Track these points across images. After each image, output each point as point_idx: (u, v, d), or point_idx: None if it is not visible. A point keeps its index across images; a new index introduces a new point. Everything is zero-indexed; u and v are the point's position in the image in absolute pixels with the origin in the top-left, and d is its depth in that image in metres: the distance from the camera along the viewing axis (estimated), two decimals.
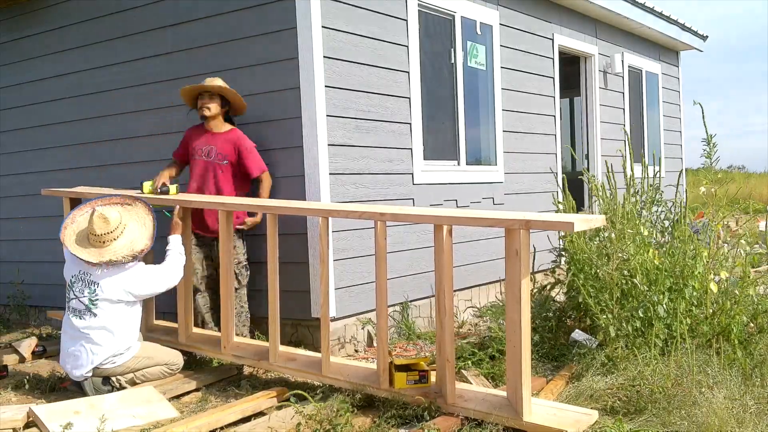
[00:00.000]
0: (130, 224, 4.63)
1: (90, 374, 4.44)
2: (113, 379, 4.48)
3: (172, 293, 5.02)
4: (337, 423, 3.59)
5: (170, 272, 4.70)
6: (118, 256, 4.46)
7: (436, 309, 3.98)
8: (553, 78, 8.13)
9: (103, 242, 4.49)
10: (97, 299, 4.44)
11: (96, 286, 4.44)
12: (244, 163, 5.22)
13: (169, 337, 5.13)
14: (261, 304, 4.84)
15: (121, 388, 4.47)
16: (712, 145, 4.84)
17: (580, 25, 8.74)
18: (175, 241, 4.85)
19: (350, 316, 5.52)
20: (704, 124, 4.88)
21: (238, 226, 5.13)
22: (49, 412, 3.96)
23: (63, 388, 4.81)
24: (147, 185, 5.25)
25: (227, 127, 5.35)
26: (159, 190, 5.19)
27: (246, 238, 5.33)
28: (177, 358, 4.72)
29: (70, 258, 4.62)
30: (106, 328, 4.43)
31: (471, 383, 4.24)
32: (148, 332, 5.23)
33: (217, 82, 5.27)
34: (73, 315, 4.50)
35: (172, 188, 5.25)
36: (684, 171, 11.71)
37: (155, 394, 4.32)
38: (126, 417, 3.97)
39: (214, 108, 5.27)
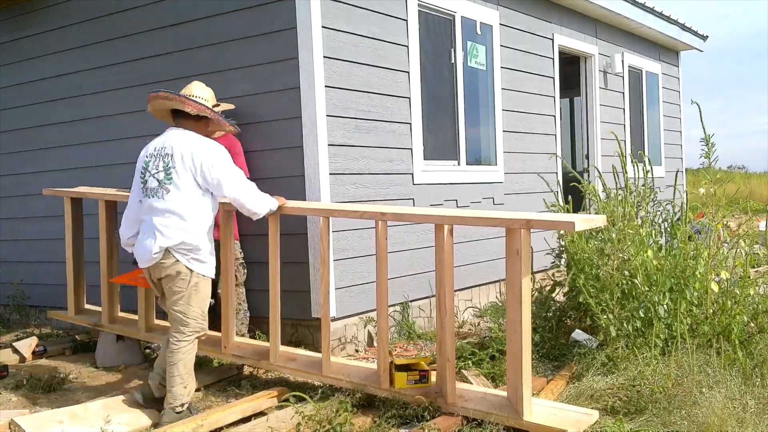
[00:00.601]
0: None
1: (158, 255, 4.04)
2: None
3: None
4: (337, 423, 3.59)
5: (249, 185, 4.23)
6: (202, 98, 4.33)
7: (436, 309, 3.98)
8: (553, 78, 8.13)
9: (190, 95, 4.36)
10: (170, 170, 4.06)
11: (169, 156, 4.08)
12: None
13: None
14: (261, 304, 4.83)
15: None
16: (710, 145, 4.84)
17: (580, 25, 8.74)
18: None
19: (350, 316, 5.52)
20: (702, 124, 4.88)
21: None
22: (32, 422, 3.89)
23: (63, 387, 4.81)
24: None
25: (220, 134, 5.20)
26: None
27: (243, 236, 5.33)
28: (204, 324, 4.24)
29: (151, 143, 4.31)
30: (180, 205, 4.04)
31: (471, 383, 4.24)
32: (147, 332, 5.22)
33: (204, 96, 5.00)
34: (150, 197, 4.11)
35: None
36: (684, 171, 11.72)
37: (139, 402, 4.27)
38: (111, 425, 3.91)
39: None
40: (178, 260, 4.05)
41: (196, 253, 4.09)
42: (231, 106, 5.27)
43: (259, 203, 4.26)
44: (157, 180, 4.10)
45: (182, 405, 4.06)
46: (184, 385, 4.08)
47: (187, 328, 4.13)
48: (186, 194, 4.07)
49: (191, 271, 4.09)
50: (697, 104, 4.97)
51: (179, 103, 4.21)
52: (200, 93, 4.48)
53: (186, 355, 4.11)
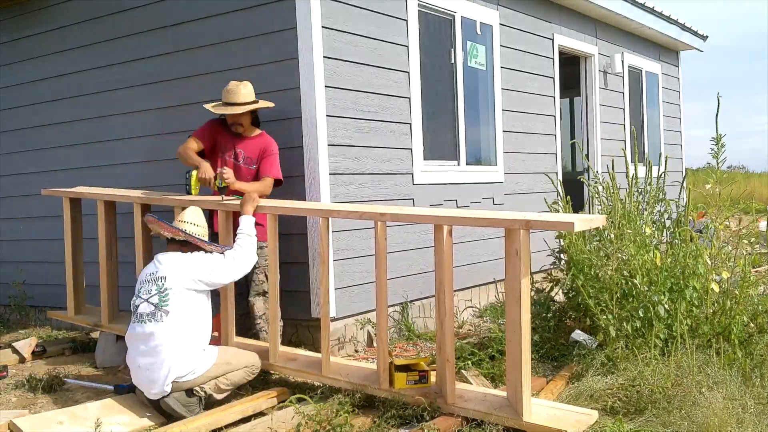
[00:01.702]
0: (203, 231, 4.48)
1: (169, 390, 4.04)
2: (196, 389, 4.10)
3: None
4: (337, 423, 3.59)
5: (242, 256, 4.35)
6: (193, 231, 4.34)
7: (436, 309, 3.98)
8: (553, 78, 8.13)
9: (182, 221, 4.40)
10: (166, 293, 4.10)
11: (163, 280, 4.14)
12: (260, 165, 5.07)
13: None
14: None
15: (208, 397, 4.13)
16: (720, 145, 4.81)
17: (580, 25, 8.74)
18: (246, 222, 4.48)
19: (350, 316, 5.52)
20: (716, 122, 4.83)
21: None
22: (31, 423, 3.87)
23: (63, 387, 4.81)
24: (194, 175, 4.86)
25: (257, 131, 5.20)
26: (218, 186, 4.79)
27: None
28: (255, 360, 4.38)
29: (141, 273, 4.43)
30: (180, 326, 4.08)
31: (471, 383, 4.24)
32: None
33: (246, 99, 4.99)
34: (139, 322, 4.14)
35: (229, 175, 4.85)
36: (684, 171, 11.72)
37: (138, 401, 4.27)
38: (111, 425, 3.91)
39: (246, 123, 5.08)
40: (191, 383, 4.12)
41: (196, 367, 4.13)
42: (270, 104, 5.17)
43: (246, 261, 4.40)
44: (152, 304, 4.14)
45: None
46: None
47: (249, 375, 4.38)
48: (184, 312, 4.14)
49: (205, 369, 4.16)
50: (718, 98, 4.88)
51: (165, 231, 4.39)
52: (191, 219, 4.44)
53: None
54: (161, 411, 4.12)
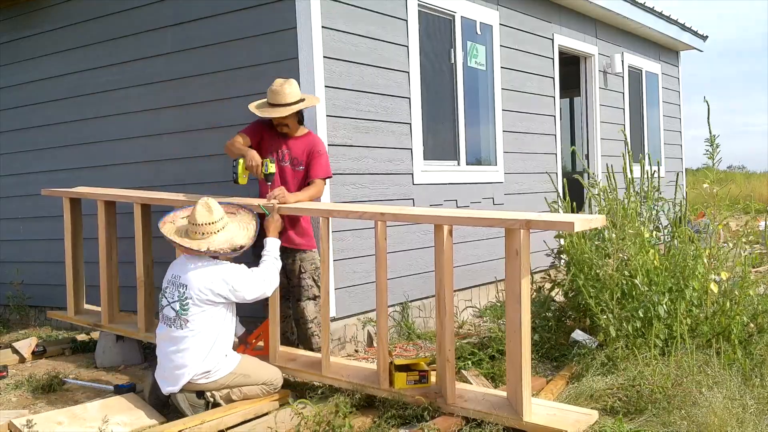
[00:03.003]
0: (231, 224, 4.30)
1: (178, 389, 4.09)
2: (207, 394, 4.11)
3: None
4: (337, 424, 3.58)
5: (265, 278, 4.27)
6: (216, 247, 4.14)
7: (436, 309, 3.98)
8: (553, 78, 8.13)
9: (203, 234, 4.15)
10: (187, 302, 4.08)
11: (185, 288, 4.10)
12: (309, 166, 4.88)
13: None
14: (259, 304, 4.81)
15: (215, 404, 4.11)
16: (715, 145, 4.83)
17: (580, 25, 8.74)
18: (272, 245, 4.44)
19: (350, 316, 5.52)
20: (708, 124, 4.86)
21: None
22: (30, 423, 3.82)
23: (62, 387, 4.81)
24: (241, 163, 4.74)
25: (304, 130, 5.00)
26: (264, 173, 4.68)
27: None
28: (276, 377, 4.30)
29: (170, 267, 4.34)
30: (197, 336, 4.07)
31: (471, 383, 4.24)
32: (147, 332, 5.22)
33: (292, 99, 4.76)
34: (164, 324, 4.17)
35: (271, 167, 4.74)
36: (684, 171, 11.72)
37: (138, 401, 4.27)
38: (111, 425, 3.88)
39: (292, 124, 4.88)
40: (207, 384, 4.11)
41: (217, 370, 4.12)
42: (317, 101, 5.04)
43: (269, 283, 4.31)
44: (174, 310, 4.12)
45: None
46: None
47: (265, 389, 4.28)
48: (204, 322, 4.10)
49: (223, 377, 4.14)
50: (707, 102, 4.92)
51: (186, 252, 4.25)
52: (209, 224, 4.20)
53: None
54: (161, 411, 4.13)
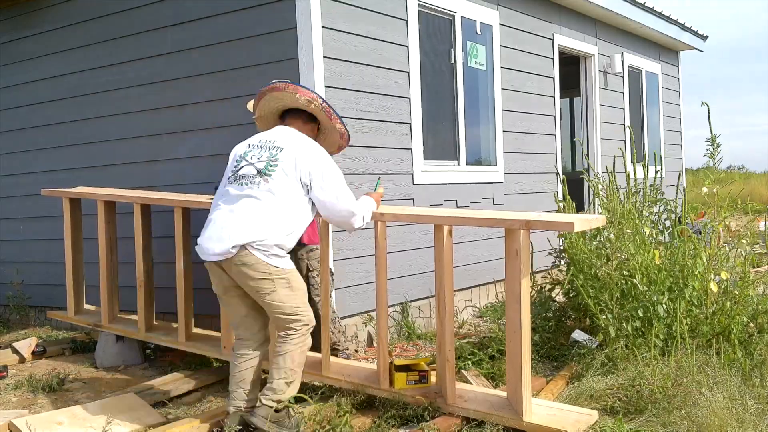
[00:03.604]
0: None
1: (236, 250, 3.52)
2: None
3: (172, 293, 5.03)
4: (337, 423, 3.58)
5: (362, 208, 3.82)
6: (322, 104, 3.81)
7: (436, 309, 3.98)
8: (553, 78, 8.13)
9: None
10: (277, 162, 3.60)
11: (279, 150, 3.65)
12: None
13: (169, 337, 5.13)
14: None
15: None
16: (716, 145, 4.83)
17: (580, 25, 8.74)
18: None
19: (350, 316, 5.52)
20: (709, 125, 4.86)
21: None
22: (30, 424, 3.85)
23: (63, 387, 4.81)
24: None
25: None
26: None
27: None
28: (310, 312, 3.78)
29: (254, 137, 3.87)
30: (275, 198, 3.56)
31: (471, 383, 4.24)
32: (147, 332, 5.23)
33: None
34: (236, 183, 3.64)
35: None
36: (684, 171, 11.72)
37: (138, 401, 4.27)
38: (111, 425, 3.87)
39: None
40: (259, 259, 3.54)
41: (278, 251, 3.59)
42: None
43: (365, 214, 3.86)
44: (256, 168, 3.63)
45: (279, 402, 3.59)
46: (287, 381, 3.62)
47: (295, 324, 3.66)
48: (285, 190, 3.60)
49: (277, 267, 3.59)
50: (706, 105, 4.93)
51: (301, 94, 3.83)
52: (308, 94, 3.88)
53: (295, 348, 3.65)
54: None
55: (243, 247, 3.52)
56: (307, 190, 3.68)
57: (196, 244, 3.75)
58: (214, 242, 3.59)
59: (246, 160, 3.70)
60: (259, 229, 3.53)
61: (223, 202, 3.68)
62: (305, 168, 3.64)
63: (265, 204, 3.57)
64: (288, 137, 3.75)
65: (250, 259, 3.54)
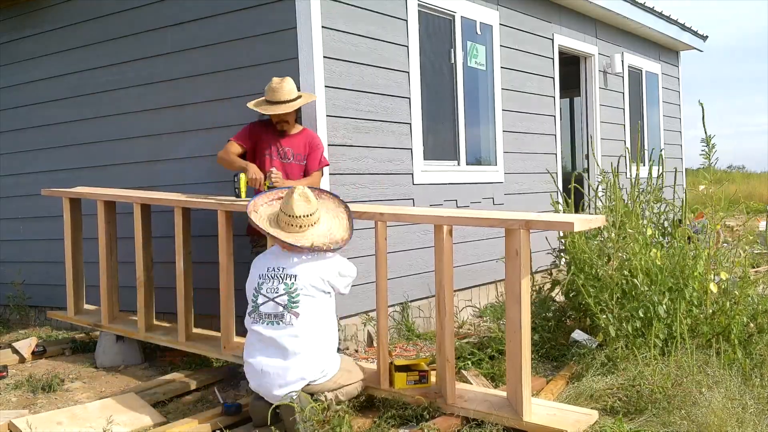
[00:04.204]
0: (322, 213, 4.04)
1: (295, 396, 3.68)
2: (322, 396, 3.75)
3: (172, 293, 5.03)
4: (337, 423, 3.58)
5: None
6: (320, 243, 3.83)
7: (436, 309, 3.98)
8: (553, 78, 8.13)
9: (300, 227, 3.85)
10: (297, 294, 3.73)
11: (293, 278, 3.75)
12: (307, 159, 4.99)
13: (169, 337, 5.13)
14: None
15: (328, 407, 3.63)
16: (711, 146, 4.84)
17: (580, 25, 8.74)
18: None
19: (350, 316, 5.51)
20: (703, 125, 4.88)
21: None
22: (30, 424, 3.86)
23: (63, 387, 4.80)
24: (243, 177, 4.73)
25: (299, 127, 5.10)
26: (270, 186, 4.67)
27: (236, 236, 5.21)
28: (361, 371, 4.08)
29: (255, 263, 4.03)
30: (312, 329, 3.74)
31: (471, 383, 4.24)
32: (147, 332, 5.23)
33: (291, 96, 4.86)
34: (265, 323, 3.76)
35: (279, 177, 4.75)
36: (684, 171, 11.72)
37: (138, 401, 4.27)
38: (111, 425, 3.85)
39: (292, 120, 4.98)
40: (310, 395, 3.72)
41: (332, 369, 3.84)
42: (313, 97, 5.10)
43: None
44: (280, 305, 3.78)
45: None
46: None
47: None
48: (315, 316, 3.79)
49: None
50: (701, 104, 4.95)
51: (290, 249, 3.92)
52: (307, 216, 3.92)
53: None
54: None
55: (306, 386, 3.78)
56: (330, 290, 3.93)
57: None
58: (268, 390, 3.77)
59: (265, 296, 3.83)
60: (310, 370, 3.77)
61: (261, 345, 3.82)
62: (323, 279, 3.86)
63: (306, 340, 3.77)
64: (297, 265, 3.84)
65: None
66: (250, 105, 4.98)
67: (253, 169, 4.79)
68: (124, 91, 6.28)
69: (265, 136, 5.04)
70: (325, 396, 3.75)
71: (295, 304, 3.73)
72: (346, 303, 5.44)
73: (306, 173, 5.01)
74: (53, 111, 6.84)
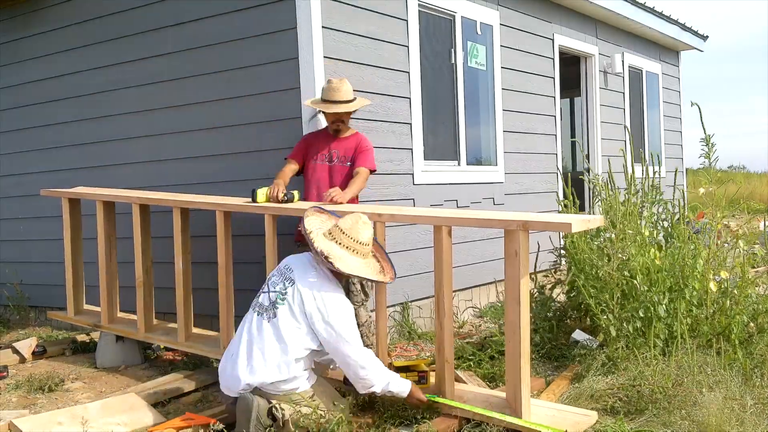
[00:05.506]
0: (370, 257, 3.88)
1: (248, 389, 3.63)
2: (277, 406, 3.60)
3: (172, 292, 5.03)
4: (337, 423, 3.58)
5: (368, 356, 3.72)
6: (354, 273, 3.71)
7: (435, 309, 3.98)
8: (554, 78, 8.12)
9: (364, 255, 3.76)
10: (284, 297, 3.65)
11: (291, 284, 3.69)
12: (355, 159, 4.90)
13: (169, 337, 5.13)
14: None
15: (283, 424, 3.56)
16: (710, 145, 4.84)
17: (581, 25, 8.73)
18: None
19: None
20: (702, 125, 4.88)
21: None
22: (31, 424, 3.85)
23: (63, 387, 4.81)
24: (261, 193, 4.62)
25: (352, 130, 5.06)
26: (283, 199, 4.57)
27: (236, 237, 5.19)
28: (339, 395, 3.89)
29: (287, 257, 3.94)
30: (282, 335, 3.62)
31: (466, 383, 4.23)
32: (147, 332, 5.22)
33: (349, 96, 4.84)
34: (257, 312, 3.75)
35: (296, 194, 4.65)
36: (684, 171, 11.71)
37: (139, 401, 4.26)
38: (110, 425, 3.90)
39: (347, 120, 4.95)
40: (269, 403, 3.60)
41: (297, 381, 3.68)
42: (367, 102, 5.07)
43: (379, 375, 3.69)
44: (270, 300, 3.72)
45: None
46: None
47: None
48: (286, 328, 3.63)
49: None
50: (698, 105, 4.97)
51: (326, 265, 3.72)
52: (359, 242, 3.76)
53: None
54: None
55: (257, 387, 3.67)
56: (309, 329, 3.69)
57: None
58: (231, 381, 3.71)
59: (267, 286, 3.80)
60: (268, 371, 3.65)
61: (245, 333, 3.75)
62: (315, 309, 3.64)
63: (270, 339, 3.67)
64: (305, 275, 3.73)
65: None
66: (307, 103, 4.98)
67: (275, 186, 4.67)
68: (124, 91, 6.27)
69: (316, 141, 4.99)
70: (282, 409, 3.59)
71: (277, 305, 3.67)
72: None
73: (351, 173, 4.88)
74: (53, 111, 6.84)
